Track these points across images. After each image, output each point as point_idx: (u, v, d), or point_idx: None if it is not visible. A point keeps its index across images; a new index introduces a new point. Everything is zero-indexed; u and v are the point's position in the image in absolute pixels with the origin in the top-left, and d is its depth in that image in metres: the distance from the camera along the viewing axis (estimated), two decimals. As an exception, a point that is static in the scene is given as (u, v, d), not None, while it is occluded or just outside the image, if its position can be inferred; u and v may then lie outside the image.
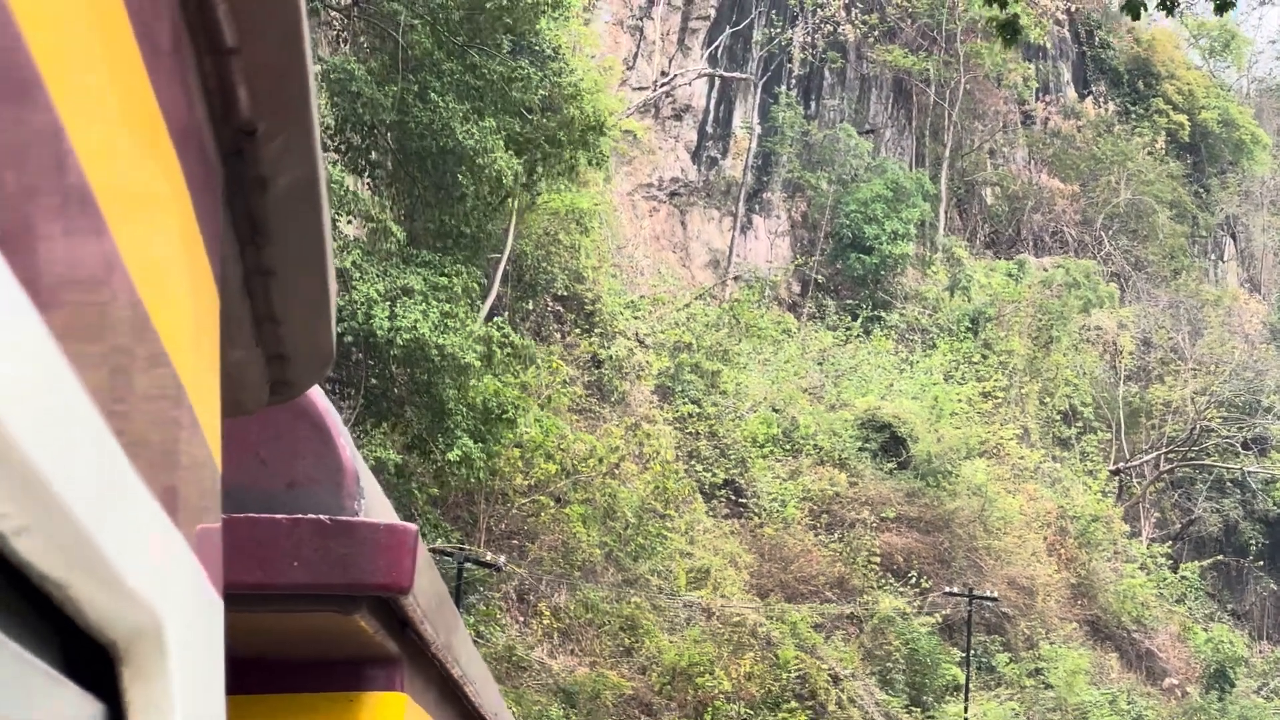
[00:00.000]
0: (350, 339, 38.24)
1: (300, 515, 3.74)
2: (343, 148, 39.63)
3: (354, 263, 37.79)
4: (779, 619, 57.78)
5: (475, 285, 40.78)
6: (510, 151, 39.91)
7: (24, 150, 1.18)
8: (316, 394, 3.90)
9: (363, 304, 37.64)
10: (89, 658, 1.55)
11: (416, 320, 37.61)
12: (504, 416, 40.93)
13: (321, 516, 3.75)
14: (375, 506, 4.05)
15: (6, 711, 1.24)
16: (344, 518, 3.79)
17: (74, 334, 1.30)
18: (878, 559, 66.90)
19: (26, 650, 1.30)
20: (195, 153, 1.79)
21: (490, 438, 40.83)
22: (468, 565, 43.10)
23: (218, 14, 1.74)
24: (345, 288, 37.47)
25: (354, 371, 39.49)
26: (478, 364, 38.85)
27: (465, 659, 5.39)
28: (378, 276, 38.20)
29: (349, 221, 39.47)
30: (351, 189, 38.93)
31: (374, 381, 39.90)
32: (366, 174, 40.75)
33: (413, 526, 3.97)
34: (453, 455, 39.52)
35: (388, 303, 37.79)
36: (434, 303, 38.09)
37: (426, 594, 4.22)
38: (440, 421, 39.53)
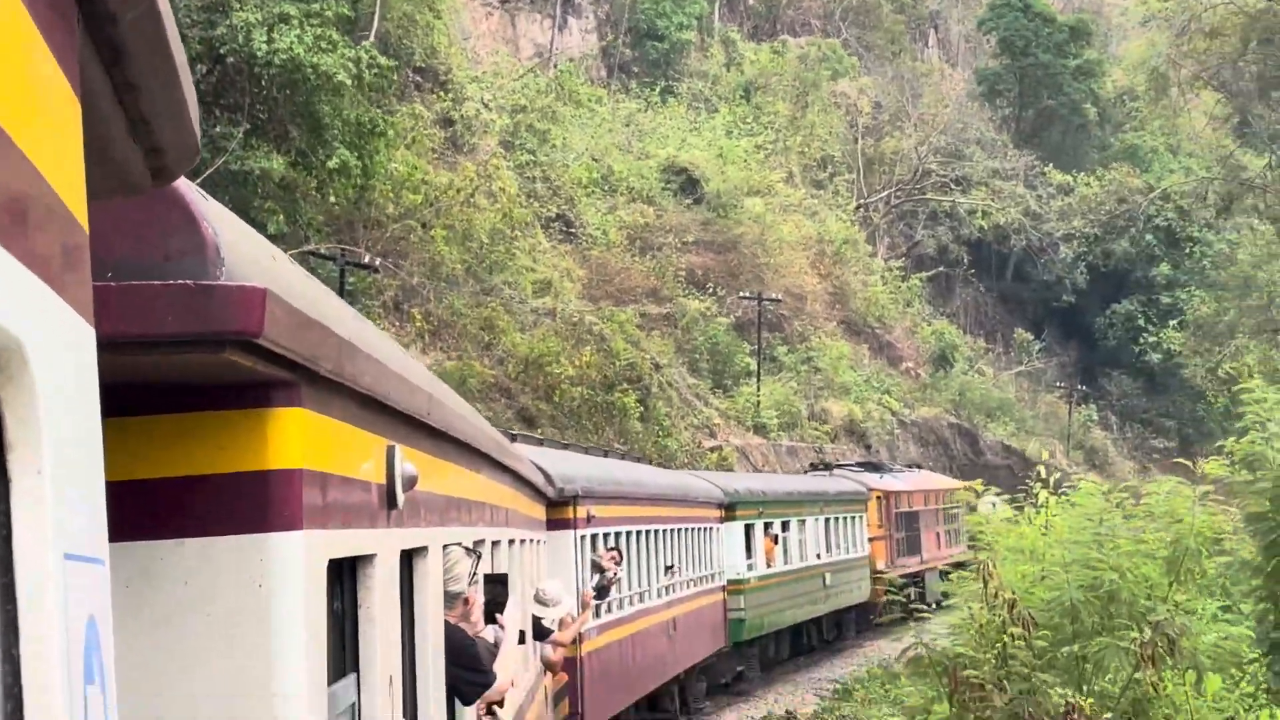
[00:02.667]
0: (232, 60, 31.78)
1: (173, 281, 3.63)
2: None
3: (231, -8, 31.06)
4: (609, 319, 52.68)
5: (345, 14, 34.02)
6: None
7: None
8: (187, 187, 3.72)
9: (242, 29, 30.92)
10: None
11: (292, 43, 30.95)
12: (375, 130, 34.60)
13: (189, 281, 3.64)
14: (242, 269, 3.73)
15: None
16: (206, 282, 3.64)
17: None
18: (683, 274, 62.08)
19: None
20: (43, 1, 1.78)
21: (365, 150, 34.49)
22: (349, 279, 37.42)
23: None
24: (226, 14, 30.92)
25: (239, 97, 32.78)
26: (349, 83, 32.39)
27: (373, 377, 4.93)
28: (255, 6, 31.42)
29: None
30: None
31: (259, 106, 33.26)
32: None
33: (262, 287, 3.67)
34: (332, 164, 33.12)
35: (265, 28, 31.07)
36: (309, 27, 31.44)
37: (291, 334, 3.90)
38: (319, 135, 33.15)
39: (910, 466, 53.32)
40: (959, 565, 51.46)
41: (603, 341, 50.33)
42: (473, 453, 8.72)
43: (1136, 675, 14.52)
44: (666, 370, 54.40)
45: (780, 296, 63.59)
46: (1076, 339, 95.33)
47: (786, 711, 28.96)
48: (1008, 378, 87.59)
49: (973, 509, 46.28)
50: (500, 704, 9.40)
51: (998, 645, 14.69)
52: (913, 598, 45.32)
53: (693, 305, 59.85)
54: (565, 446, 24.37)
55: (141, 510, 3.96)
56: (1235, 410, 65.78)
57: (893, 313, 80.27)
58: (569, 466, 19.75)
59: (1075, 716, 11.87)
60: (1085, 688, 14.83)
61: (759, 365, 61.07)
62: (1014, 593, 14.77)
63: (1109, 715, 12.90)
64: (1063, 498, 16.67)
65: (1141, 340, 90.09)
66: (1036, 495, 17.18)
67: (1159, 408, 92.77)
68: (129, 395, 3.92)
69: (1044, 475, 17.15)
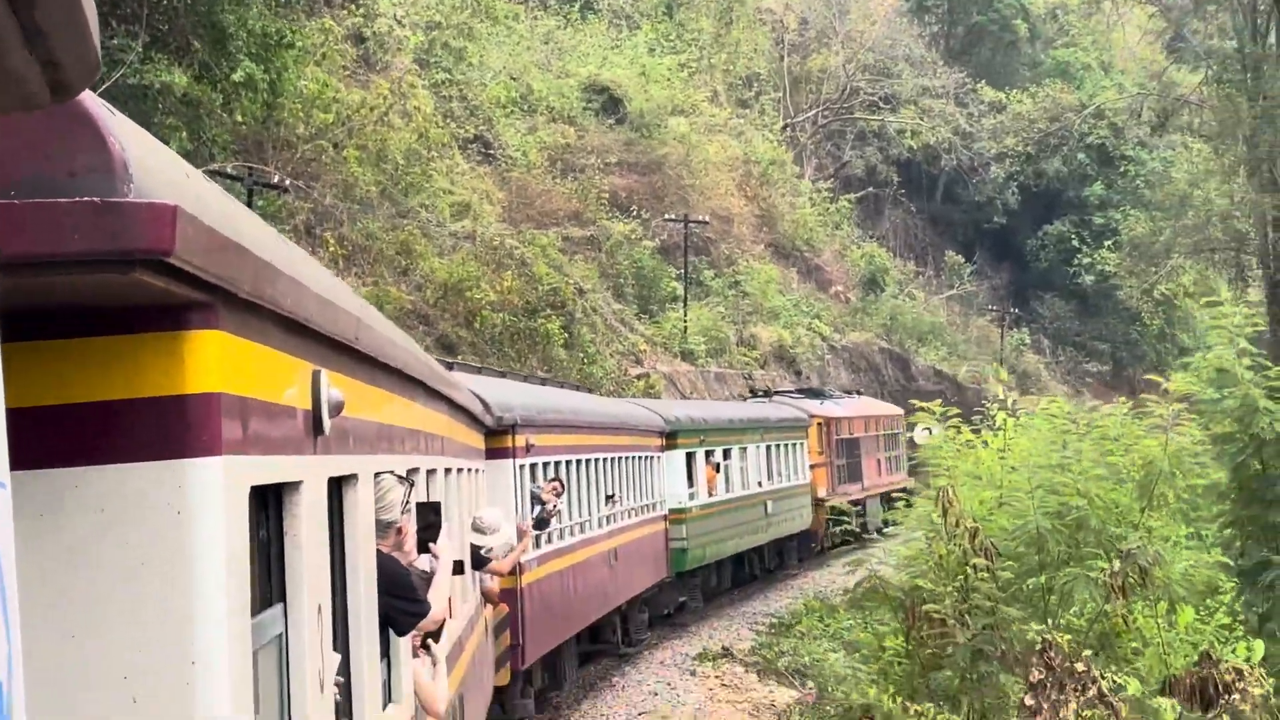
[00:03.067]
0: (128, -32, 30.48)
1: (78, 198, 3.57)
2: None
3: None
4: (530, 243, 51.68)
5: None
6: None
7: None
8: (93, 101, 3.64)
9: (136, -68, 29.64)
10: None
11: (191, -54, 29.72)
12: (282, 42, 33.31)
13: (95, 199, 3.58)
14: (151, 186, 3.66)
15: None
16: (114, 199, 3.59)
17: None
18: (605, 196, 60.94)
19: None
20: None
21: (272, 64, 33.20)
22: (259, 201, 36.21)
23: None
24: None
25: (137, 6, 31.33)
26: (253, -12, 31.17)
27: (295, 299, 4.86)
28: (151, -91, 30.04)
29: None
30: None
31: (158, 16, 31.86)
32: None
33: (173, 204, 3.61)
34: (237, 77, 31.87)
35: (161, -70, 29.73)
36: (207, -70, 30.12)
37: (206, 254, 3.85)
38: (222, 47, 31.83)
39: (849, 393, 53.58)
40: (905, 491, 53.29)
41: (524, 266, 49.32)
42: (405, 379, 8.63)
43: (1106, 607, 13.90)
44: (591, 296, 53.49)
45: (707, 218, 62.74)
46: (1009, 261, 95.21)
47: (723, 647, 28.39)
48: (938, 302, 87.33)
49: (913, 431, 46.76)
50: (436, 636, 9.24)
51: (959, 578, 14.03)
52: (855, 525, 47.46)
53: (617, 228, 58.89)
54: (503, 375, 23.98)
55: (54, 437, 3.95)
56: (1170, 332, 65.97)
57: (821, 235, 79.61)
58: (508, 394, 19.54)
59: (1050, 653, 11.18)
60: (1051, 621, 14.21)
61: (685, 290, 60.25)
62: (975, 521, 14.09)
63: (1088, 653, 12.23)
64: (1021, 420, 15.99)
65: (1075, 262, 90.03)
66: (994, 418, 16.50)
67: (1092, 331, 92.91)
68: (39, 319, 3.92)
69: (1003, 396, 16.48)
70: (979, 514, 14.79)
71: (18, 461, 2.32)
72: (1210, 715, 11.87)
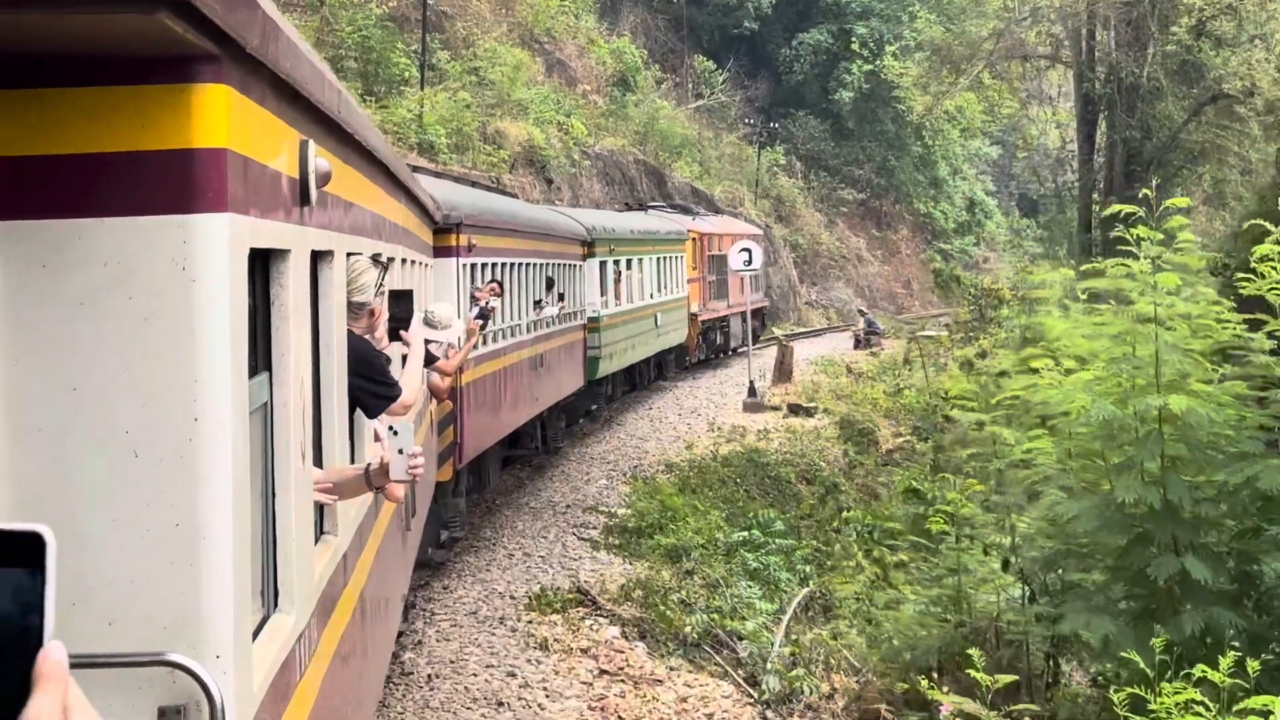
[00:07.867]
0: None
1: None
2: None
3: None
4: None
5: None
6: None
7: None
8: None
9: None
10: None
11: None
12: None
13: None
14: None
15: None
16: None
17: None
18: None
19: None
20: None
21: None
22: None
23: None
24: None
25: None
26: None
27: (292, 63, 4.66)
28: None
29: None
30: None
31: None
32: None
33: None
34: None
35: None
36: None
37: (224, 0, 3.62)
38: None
39: (715, 211, 53.68)
40: (761, 312, 46.95)
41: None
42: (375, 162, 8.23)
43: None
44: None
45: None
46: (765, 73, 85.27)
47: (576, 588, 17.68)
48: (686, 113, 77.19)
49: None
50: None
51: None
52: (718, 340, 48.82)
53: (341, -14, 46.99)
54: (439, 175, 23.16)
55: (58, 187, 3.73)
56: (931, 160, 56.57)
57: (562, 26, 68.54)
58: (448, 192, 19.01)
59: None
60: None
61: (423, 66, 48.80)
62: None
63: None
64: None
65: (850, 71, 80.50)
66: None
67: (848, 154, 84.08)
68: (48, 66, 3.69)
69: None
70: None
71: (17, 211, 2.43)
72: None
